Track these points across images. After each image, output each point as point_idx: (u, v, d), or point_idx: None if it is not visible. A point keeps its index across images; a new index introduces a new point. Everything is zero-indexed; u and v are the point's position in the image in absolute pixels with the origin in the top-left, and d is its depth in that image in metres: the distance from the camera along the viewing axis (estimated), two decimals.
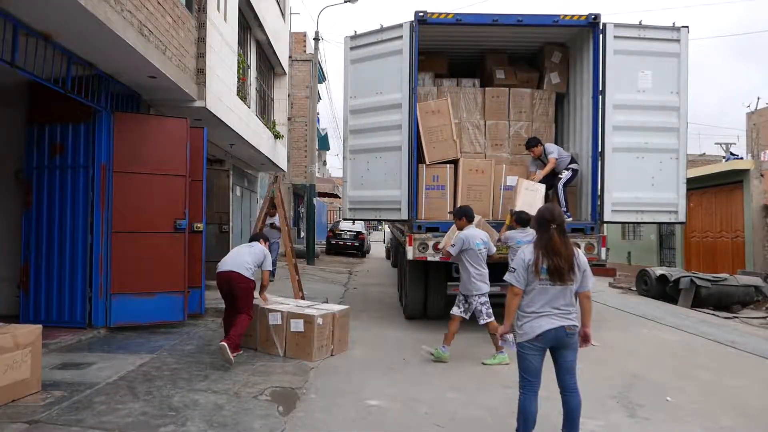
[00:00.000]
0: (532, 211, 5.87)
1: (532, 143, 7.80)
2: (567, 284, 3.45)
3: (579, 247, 3.89)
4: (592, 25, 7.39)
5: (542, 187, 7.39)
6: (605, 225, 7.58)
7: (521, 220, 6.45)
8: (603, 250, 7.25)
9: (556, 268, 3.41)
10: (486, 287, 5.86)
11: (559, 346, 3.50)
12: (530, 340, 3.47)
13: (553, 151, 7.71)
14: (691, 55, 7.73)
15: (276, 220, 10.16)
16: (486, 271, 5.90)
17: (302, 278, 9.20)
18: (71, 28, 5.10)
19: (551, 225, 3.48)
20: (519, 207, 6.88)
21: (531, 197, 7.18)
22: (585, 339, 3.63)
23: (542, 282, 3.45)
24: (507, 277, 3.59)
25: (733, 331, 8.39)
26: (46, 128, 6.71)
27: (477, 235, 5.89)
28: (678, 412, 4.50)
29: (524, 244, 5.38)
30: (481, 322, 5.91)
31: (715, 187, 15.69)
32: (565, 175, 7.65)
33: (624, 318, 8.92)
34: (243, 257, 5.87)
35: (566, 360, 3.53)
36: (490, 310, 5.90)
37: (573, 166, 7.72)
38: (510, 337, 3.73)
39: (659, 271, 12.84)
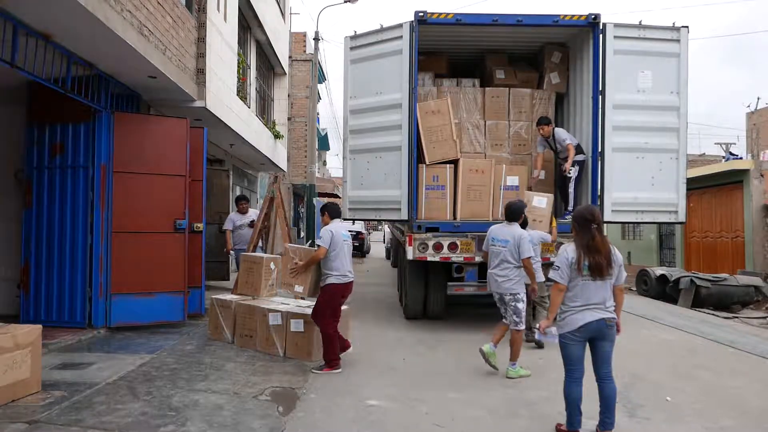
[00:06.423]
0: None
1: (544, 121, 7.76)
2: (606, 279, 3.75)
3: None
4: (592, 25, 7.38)
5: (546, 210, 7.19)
6: (605, 225, 7.57)
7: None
8: None
9: (597, 264, 3.70)
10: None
11: (599, 337, 3.79)
12: (572, 331, 3.77)
13: (566, 138, 7.64)
14: (691, 54, 7.72)
15: (249, 217, 9.05)
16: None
17: None
18: (71, 28, 5.11)
19: (592, 225, 3.76)
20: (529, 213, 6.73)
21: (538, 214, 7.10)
22: (616, 329, 3.89)
23: (584, 278, 3.73)
24: (551, 274, 3.87)
25: (732, 331, 8.39)
26: (46, 128, 6.70)
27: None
28: (678, 412, 4.50)
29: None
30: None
31: (715, 187, 15.67)
32: (573, 173, 7.62)
33: (624, 318, 8.82)
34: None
35: (603, 350, 3.81)
36: None
37: (579, 157, 7.64)
38: (553, 329, 3.89)
39: (659, 271, 12.84)
